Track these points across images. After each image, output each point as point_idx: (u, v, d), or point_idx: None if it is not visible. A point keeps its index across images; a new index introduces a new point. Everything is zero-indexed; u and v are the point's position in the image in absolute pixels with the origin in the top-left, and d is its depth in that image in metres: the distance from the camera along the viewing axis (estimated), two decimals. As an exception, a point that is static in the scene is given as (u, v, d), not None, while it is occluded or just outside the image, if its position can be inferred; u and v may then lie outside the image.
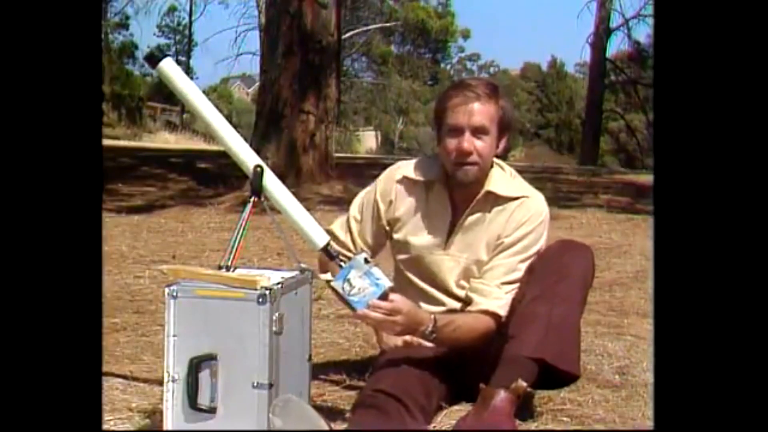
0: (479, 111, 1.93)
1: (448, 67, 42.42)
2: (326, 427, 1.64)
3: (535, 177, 9.38)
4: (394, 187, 2.08)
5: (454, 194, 2.04)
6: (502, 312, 1.95)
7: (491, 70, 45.09)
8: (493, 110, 1.94)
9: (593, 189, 8.14)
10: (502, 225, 2.00)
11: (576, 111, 35.12)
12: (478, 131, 1.94)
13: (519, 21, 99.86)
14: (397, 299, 1.80)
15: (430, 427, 1.88)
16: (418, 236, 2.05)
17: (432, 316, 1.89)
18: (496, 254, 2.00)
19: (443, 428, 1.89)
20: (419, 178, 2.06)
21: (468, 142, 1.93)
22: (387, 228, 2.09)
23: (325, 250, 1.81)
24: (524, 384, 1.80)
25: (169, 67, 1.77)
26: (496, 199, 2.01)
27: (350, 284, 1.78)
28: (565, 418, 2.00)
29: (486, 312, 1.95)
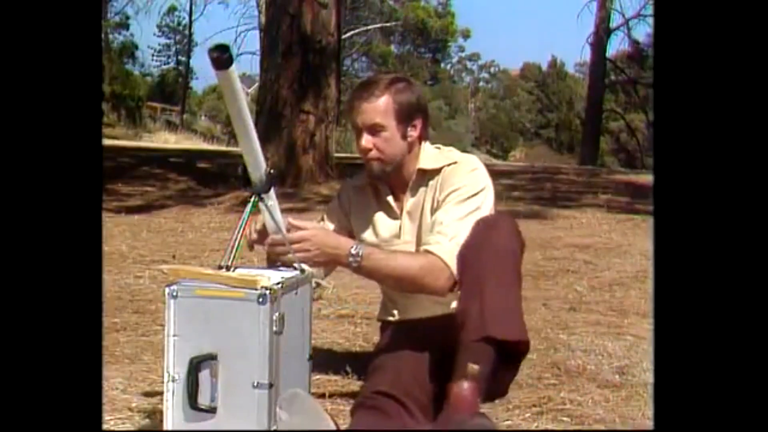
0: (367, 110, 2.02)
1: (448, 67, 42.50)
2: (331, 423, 1.65)
3: (535, 177, 9.39)
4: (346, 198, 2.22)
5: (394, 185, 2.13)
6: (441, 252, 1.93)
7: (491, 70, 45.15)
8: (383, 105, 2.01)
9: (593, 189, 8.13)
10: (437, 191, 2.07)
11: (576, 111, 35.13)
12: (373, 129, 2.02)
13: (519, 21, 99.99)
14: (307, 226, 1.89)
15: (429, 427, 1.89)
16: (375, 235, 2.13)
17: (355, 242, 1.95)
18: (435, 213, 2.05)
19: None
20: (364, 183, 2.17)
21: (365, 140, 2.04)
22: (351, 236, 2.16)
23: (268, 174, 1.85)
24: (476, 366, 1.77)
25: (234, 72, 1.70)
26: (429, 174, 2.09)
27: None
28: (565, 418, 2.00)
29: (426, 251, 1.96)
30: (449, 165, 2.08)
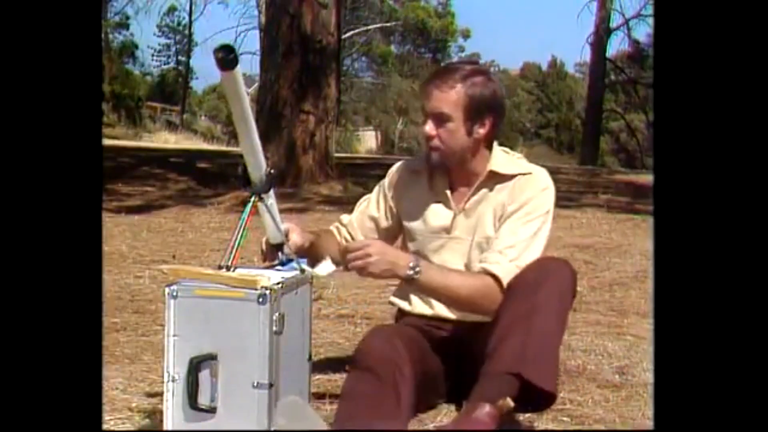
0: (437, 98, 1.96)
1: (448, 66, 42.29)
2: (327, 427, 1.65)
3: (535, 177, 9.35)
4: (400, 179, 2.15)
5: (454, 179, 2.07)
6: (501, 273, 1.90)
7: (491, 70, 45.05)
8: (455, 96, 1.95)
9: (593, 189, 8.14)
10: (505, 198, 2.01)
11: (576, 111, 35.14)
12: (438, 117, 1.97)
13: (519, 21, 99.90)
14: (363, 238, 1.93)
15: (430, 426, 1.89)
16: (423, 223, 2.09)
17: (414, 256, 1.94)
18: (501, 224, 2.00)
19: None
20: (421, 168, 2.10)
21: (429, 127, 1.99)
22: (395, 219, 2.15)
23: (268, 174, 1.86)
24: (512, 403, 1.73)
25: (238, 73, 1.70)
26: (499, 178, 2.03)
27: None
28: (565, 418, 2.00)
29: (484, 270, 1.93)
30: (524, 174, 2.04)
